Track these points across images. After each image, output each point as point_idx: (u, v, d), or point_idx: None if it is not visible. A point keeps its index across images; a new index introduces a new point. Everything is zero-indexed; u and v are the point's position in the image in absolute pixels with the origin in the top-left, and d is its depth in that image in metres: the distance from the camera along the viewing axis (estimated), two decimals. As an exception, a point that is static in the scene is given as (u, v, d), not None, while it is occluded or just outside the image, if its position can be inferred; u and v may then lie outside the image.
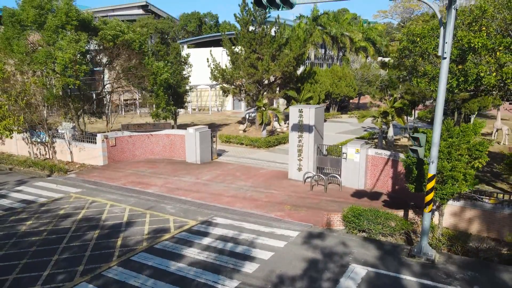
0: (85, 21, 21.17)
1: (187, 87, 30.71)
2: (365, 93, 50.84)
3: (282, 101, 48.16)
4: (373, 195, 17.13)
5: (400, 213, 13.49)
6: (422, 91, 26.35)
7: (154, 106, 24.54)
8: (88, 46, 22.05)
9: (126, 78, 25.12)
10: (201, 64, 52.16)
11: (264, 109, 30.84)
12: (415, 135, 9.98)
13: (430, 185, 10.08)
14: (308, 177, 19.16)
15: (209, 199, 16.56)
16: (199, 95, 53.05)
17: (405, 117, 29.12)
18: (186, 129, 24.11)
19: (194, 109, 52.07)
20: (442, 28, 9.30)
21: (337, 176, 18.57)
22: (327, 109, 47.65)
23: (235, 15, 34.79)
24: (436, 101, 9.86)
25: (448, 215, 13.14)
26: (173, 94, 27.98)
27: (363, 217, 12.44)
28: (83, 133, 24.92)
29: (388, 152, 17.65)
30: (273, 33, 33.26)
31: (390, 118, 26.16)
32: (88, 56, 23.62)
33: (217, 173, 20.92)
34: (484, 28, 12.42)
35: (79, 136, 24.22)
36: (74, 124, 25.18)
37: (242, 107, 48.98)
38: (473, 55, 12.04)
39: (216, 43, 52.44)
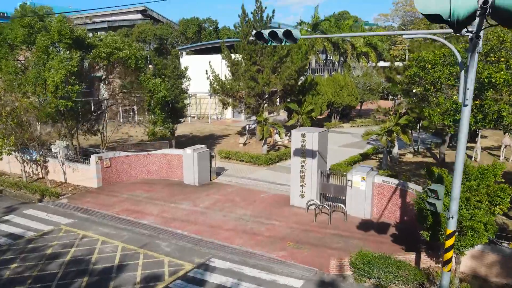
0: (78, 39, 20.23)
1: (186, 101, 29.74)
2: (367, 101, 49.90)
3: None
4: (381, 227, 16.20)
5: (412, 256, 12.56)
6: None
7: (150, 124, 23.64)
8: (83, 63, 21.11)
9: (121, 96, 24.17)
10: (200, 71, 51.34)
11: (264, 124, 29.90)
12: (433, 187, 9.04)
13: (449, 243, 9.15)
14: (311, 204, 18.26)
15: (207, 233, 15.62)
16: (198, 102, 52.08)
17: (410, 131, 28.19)
18: (183, 148, 23.20)
19: (194, 117, 51.19)
20: (463, 72, 8.37)
21: (341, 205, 17.64)
22: (328, 118, 46.72)
23: (235, 25, 33.91)
24: (456, 150, 8.93)
25: (466, 259, 12.21)
26: (171, 110, 27.05)
27: (373, 265, 11.52)
28: (77, 152, 23.98)
29: (395, 181, 16.73)
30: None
31: (394, 135, 25.24)
32: (83, 70, 22.68)
33: (215, 199, 19.99)
34: (503, 59, 11.49)
35: (72, 156, 23.30)
36: (68, 143, 24.26)
37: (242, 116, 48.05)
38: (493, 91, 11.12)
39: (216, 50, 51.51)
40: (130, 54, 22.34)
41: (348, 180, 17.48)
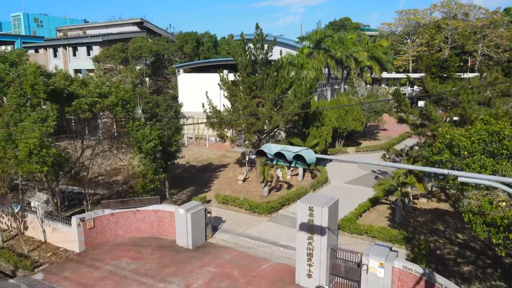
0: (56, 91, 17.86)
1: (180, 143, 27.37)
2: (373, 122, 47.54)
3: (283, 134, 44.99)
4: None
5: None
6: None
7: (140, 176, 21.30)
8: (62, 116, 18.73)
9: (108, 146, 21.81)
10: (198, 89, 49.03)
11: (265, 163, 27.59)
12: None
13: None
14: None
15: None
16: (196, 121, 49.58)
17: (425, 178, 25.88)
18: (176, 206, 20.89)
19: (191, 138, 48.91)
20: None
21: (355, 291, 15.36)
22: (332, 144, 44.37)
23: (232, 55, 31.69)
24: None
25: None
26: (162, 155, 24.74)
27: None
28: (58, 208, 21.59)
29: (420, 269, 14.41)
30: (275, 55, 30.00)
31: (409, 187, 22.98)
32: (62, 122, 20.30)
33: (211, 273, 17.61)
34: None
35: (53, 214, 20.94)
36: (48, 197, 21.94)
37: (242, 135, 45.78)
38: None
39: (214, 68, 49.16)
40: (116, 100, 19.99)
41: (363, 264, 15.18)
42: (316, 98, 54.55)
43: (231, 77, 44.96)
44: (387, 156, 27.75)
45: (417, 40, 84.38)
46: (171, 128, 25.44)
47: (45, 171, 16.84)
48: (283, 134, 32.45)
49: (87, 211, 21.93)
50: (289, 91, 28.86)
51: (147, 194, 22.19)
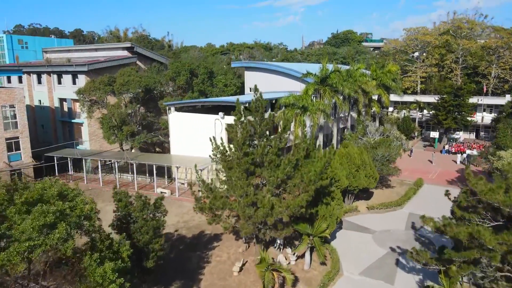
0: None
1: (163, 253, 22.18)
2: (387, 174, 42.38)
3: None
4: None
5: None
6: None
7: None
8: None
9: None
10: (191, 131, 44.02)
11: (266, 268, 22.61)
12: None
13: None
14: None
15: None
16: (187, 168, 44.43)
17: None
18: None
19: (183, 183, 43.97)
20: None
21: None
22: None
23: (227, 129, 26.76)
24: None
25: None
26: (138, 272, 19.69)
27: None
28: None
29: None
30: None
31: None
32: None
33: None
34: None
35: None
36: None
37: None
38: None
39: (210, 109, 44.12)
40: (66, 234, 14.93)
41: None
42: (321, 137, 49.58)
43: (228, 120, 39.96)
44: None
45: (426, 60, 79.16)
46: (148, 232, 20.37)
47: None
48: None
49: None
50: (296, 173, 23.84)
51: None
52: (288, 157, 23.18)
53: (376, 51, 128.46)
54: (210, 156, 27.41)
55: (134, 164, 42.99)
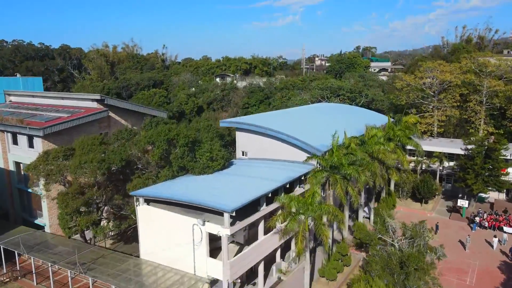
0: None
1: None
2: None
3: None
4: None
5: None
6: None
7: None
8: None
9: None
10: (164, 232, 34.35)
11: None
12: None
13: None
14: None
15: None
16: (162, 276, 34.38)
17: None
18: None
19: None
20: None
21: None
22: None
23: None
24: None
25: None
26: None
27: None
28: None
29: None
30: None
31: None
32: None
33: None
34: None
35: None
36: None
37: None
38: None
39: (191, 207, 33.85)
40: None
41: None
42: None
43: (210, 227, 30.59)
44: None
45: (445, 100, 69.10)
46: None
47: None
48: None
49: None
50: None
51: None
52: None
53: (382, 74, 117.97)
54: None
55: (90, 280, 33.19)
